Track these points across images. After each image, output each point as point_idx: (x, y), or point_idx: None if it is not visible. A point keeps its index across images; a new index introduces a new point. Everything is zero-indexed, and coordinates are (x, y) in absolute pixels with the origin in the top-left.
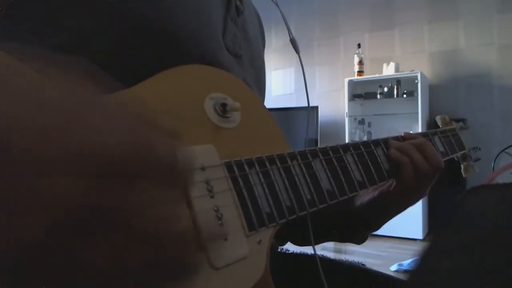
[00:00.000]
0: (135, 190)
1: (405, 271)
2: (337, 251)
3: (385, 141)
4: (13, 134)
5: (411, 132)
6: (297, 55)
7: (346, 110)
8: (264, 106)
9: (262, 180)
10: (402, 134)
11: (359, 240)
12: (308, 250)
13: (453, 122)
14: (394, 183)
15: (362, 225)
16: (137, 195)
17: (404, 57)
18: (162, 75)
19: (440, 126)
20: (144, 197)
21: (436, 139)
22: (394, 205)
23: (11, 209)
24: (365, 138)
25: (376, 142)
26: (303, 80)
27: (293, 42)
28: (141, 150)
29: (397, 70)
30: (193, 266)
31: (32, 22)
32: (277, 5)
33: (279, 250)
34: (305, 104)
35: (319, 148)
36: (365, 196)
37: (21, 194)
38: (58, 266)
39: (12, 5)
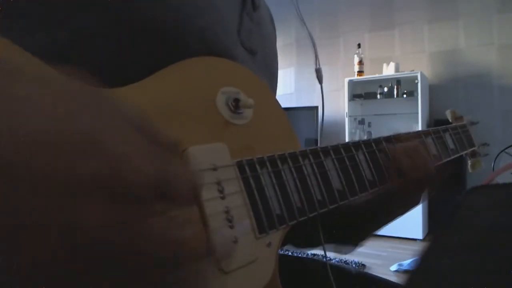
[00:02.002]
0: (147, 214)
1: (405, 271)
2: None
3: (377, 142)
4: (17, 152)
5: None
6: (299, 54)
7: (346, 110)
8: (277, 101)
9: (274, 180)
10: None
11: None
12: (308, 250)
13: (464, 117)
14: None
15: (359, 229)
16: (149, 219)
17: (404, 57)
18: (172, 68)
19: (450, 121)
20: (157, 220)
21: (447, 136)
22: (386, 211)
23: (21, 235)
24: (365, 138)
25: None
26: (304, 80)
27: (318, 72)
28: (151, 172)
29: (397, 70)
30: (202, 275)
31: (31, 21)
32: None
33: (282, 252)
34: (306, 104)
35: (331, 146)
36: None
37: (29, 218)
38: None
39: (11, 4)
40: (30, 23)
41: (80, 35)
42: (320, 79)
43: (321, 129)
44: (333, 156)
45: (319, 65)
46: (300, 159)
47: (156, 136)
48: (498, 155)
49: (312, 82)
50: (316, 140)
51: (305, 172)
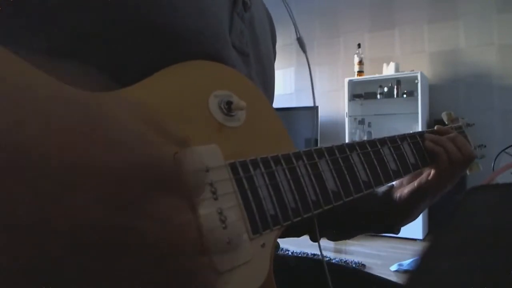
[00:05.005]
0: (152, 205)
1: (405, 271)
2: (336, 251)
3: (420, 134)
4: (30, 146)
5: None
6: (299, 54)
7: (346, 110)
8: (270, 105)
9: (267, 181)
10: (435, 128)
11: (397, 230)
12: (308, 250)
13: (460, 119)
14: (433, 172)
15: (403, 216)
16: (153, 210)
17: (404, 57)
18: (165, 71)
19: (446, 123)
20: (160, 212)
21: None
22: (432, 193)
23: (29, 227)
24: (365, 138)
25: (403, 137)
26: (304, 80)
27: (300, 41)
28: (156, 164)
29: (397, 70)
30: (197, 273)
31: (30, 22)
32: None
33: (279, 251)
34: (306, 104)
35: (325, 148)
36: (403, 188)
37: (40, 212)
38: (74, 283)
39: (10, 4)
40: (29, 23)
41: (78, 35)
42: (303, 48)
43: (317, 119)
44: (327, 157)
45: (299, 34)
46: (294, 160)
47: (168, 131)
48: (498, 155)
49: (313, 82)
50: (316, 140)
51: (299, 173)
